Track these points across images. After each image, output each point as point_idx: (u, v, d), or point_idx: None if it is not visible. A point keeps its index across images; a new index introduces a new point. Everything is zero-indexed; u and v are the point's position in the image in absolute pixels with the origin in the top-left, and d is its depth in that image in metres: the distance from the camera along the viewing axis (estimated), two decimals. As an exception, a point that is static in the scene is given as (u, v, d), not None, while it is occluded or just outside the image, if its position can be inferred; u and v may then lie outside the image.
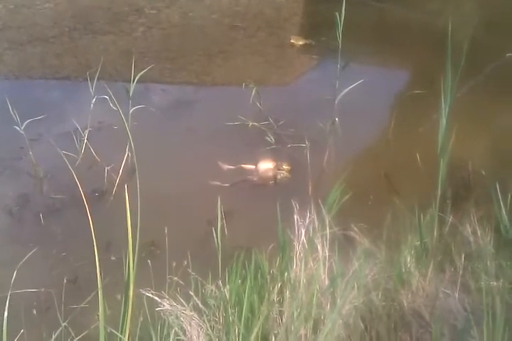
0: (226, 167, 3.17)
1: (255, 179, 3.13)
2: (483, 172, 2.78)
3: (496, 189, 2.16)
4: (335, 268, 1.93)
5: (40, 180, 2.94)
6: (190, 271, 1.95)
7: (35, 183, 2.95)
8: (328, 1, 5.56)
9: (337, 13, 2.95)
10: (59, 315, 1.74)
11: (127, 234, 1.37)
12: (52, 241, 2.64)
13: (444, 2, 5.96)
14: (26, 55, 4.70)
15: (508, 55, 1.90)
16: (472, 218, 2.33)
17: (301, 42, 4.79)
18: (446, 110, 2.04)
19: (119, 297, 1.61)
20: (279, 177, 3.13)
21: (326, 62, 4.28)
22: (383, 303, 1.96)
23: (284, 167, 3.16)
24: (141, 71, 3.13)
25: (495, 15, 5.51)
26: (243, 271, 1.84)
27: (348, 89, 3.14)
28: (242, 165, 3.18)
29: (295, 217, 2.05)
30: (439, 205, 2.29)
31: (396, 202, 2.52)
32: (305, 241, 2.01)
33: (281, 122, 3.50)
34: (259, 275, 1.88)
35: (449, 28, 2.11)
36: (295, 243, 2.00)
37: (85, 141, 3.08)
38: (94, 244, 1.41)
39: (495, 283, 2.00)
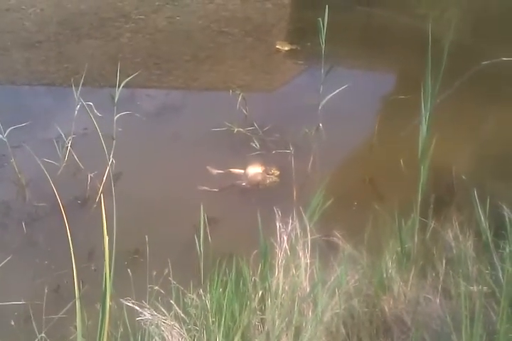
0: (215, 171, 3.17)
1: (244, 183, 3.13)
2: (464, 177, 2.80)
3: (474, 194, 2.17)
4: (316, 274, 1.93)
5: (23, 188, 2.92)
6: (171, 279, 1.94)
7: (18, 191, 2.93)
8: (315, 7, 5.58)
9: (320, 19, 2.96)
10: (35, 326, 1.72)
11: (103, 244, 1.36)
12: (35, 250, 2.62)
13: (430, 7, 6.02)
14: (11, 60, 4.68)
15: (483, 63, 1.91)
16: (454, 222, 2.35)
17: (286, 48, 4.81)
18: (427, 116, 2.05)
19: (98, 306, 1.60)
20: (268, 181, 3.14)
21: (312, 68, 4.30)
22: (365, 309, 1.97)
23: (273, 171, 3.17)
24: (127, 77, 3.13)
25: (480, 20, 5.57)
26: (224, 279, 1.84)
27: (331, 94, 3.15)
28: (231, 170, 3.19)
29: (277, 223, 2.05)
30: (421, 210, 2.31)
31: (379, 208, 2.53)
32: (287, 247, 2.01)
33: (267, 128, 3.50)
34: (240, 283, 1.88)
35: (430, 35, 2.11)
36: (277, 250, 2.01)
37: (69, 147, 3.07)
38: (72, 254, 1.40)
39: (475, 288, 2.02)
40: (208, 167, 3.18)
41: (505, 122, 3.43)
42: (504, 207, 2.19)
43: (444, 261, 2.19)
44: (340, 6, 5.68)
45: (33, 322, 1.81)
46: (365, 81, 4.29)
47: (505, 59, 1.85)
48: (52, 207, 2.79)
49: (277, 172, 3.15)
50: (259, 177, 3.14)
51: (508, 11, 5.76)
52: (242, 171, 3.17)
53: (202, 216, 1.95)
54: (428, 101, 2.00)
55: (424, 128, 1.93)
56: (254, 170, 3.16)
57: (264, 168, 3.17)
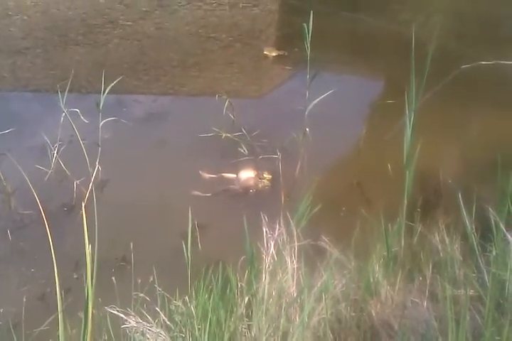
0: (207, 176, 3.17)
1: (236, 188, 3.13)
2: (450, 181, 2.81)
3: (459, 197, 2.19)
4: (303, 280, 1.93)
5: (8, 196, 2.89)
6: (157, 286, 1.93)
7: (3, 198, 2.91)
8: (302, 13, 5.61)
9: (305, 25, 2.97)
10: (14, 336, 1.70)
11: (85, 252, 1.35)
12: (20, 258, 2.59)
13: (414, 13, 6.08)
14: (-3, 66, 4.66)
15: (463, 66, 1.92)
16: (440, 226, 2.36)
17: (274, 54, 4.83)
18: (411, 120, 2.06)
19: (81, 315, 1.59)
20: (260, 185, 3.14)
21: (299, 73, 4.31)
22: (352, 314, 1.96)
23: (265, 176, 3.17)
24: (113, 82, 3.12)
25: (463, 26, 5.63)
26: (210, 286, 1.83)
27: (317, 99, 3.17)
28: (224, 174, 3.19)
29: (264, 229, 2.05)
30: (408, 214, 2.32)
31: (366, 212, 2.53)
32: (274, 253, 2.01)
33: (255, 133, 3.51)
34: (227, 290, 1.87)
35: (413, 41, 2.13)
36: (264, 255, 2.00)
37: (55, 154, 3.05)
38: (54, 264, 1.39)
39: (462, 291, 2.02)
40: (200, 171, 3.17)
41: (490, 125, 3.47)
42: (490, 209, 2.20)
43: (430, 265, 2.20)
44: (325, 12, 5.73)
45: (13, 333, 1.78)
46: (351, 86, 4.31)
47: (483, 63, 1.86)
48: (38, 215, 2.74)
49: (269, 177, 3.16)
50: (252, 182, 3.14)
51: (487, 14, 5.84)
52: (234, 176, 3.17)
53: (189, 221, 1.93)
54: (412, 106, 2.01)
55: (408, 132, 1.94)
56: (247, 175, 3.16)
57: (256, 173, 3.18)
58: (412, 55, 2.00)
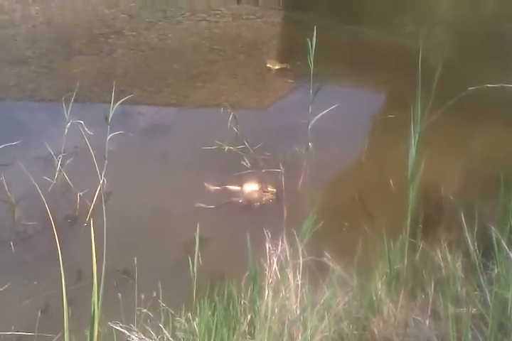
0: (212, 188, 3.18)
1: (240, 201, 3.14)
2: (452, 197, 2.82)
3: (462, 216, 2.19)
4: (306, 297, 1.93)
5: (13, 206, 2.90)
6: (160, 302, 1.93)
7: (8, 209, 2.91)
8: (305, 26, 5.68)
9: (308, 40, 3.00)
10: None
11: (92, 272, 1.36)
12: (24, 270, 2.60)
13: (417, 26, 6.13)
14: (2, 76, 4.68)
15: (469, 88, 1.94)
16: (443, 243, 2.37)
17: (277, 67, 4.87)
18: (416, 139, 2.07)
19: (86, 331, 1.59)
20: (264, 199, 3.15)
21: (302, 86, 4.34)
22: (355, 332, 1.96)
23: (269, 189, 3.18)
24: (119, 93, 3.14)
25: (467, 40, 5.67)
26: (213, 303, 1.83)
27: (320, 114, 3.19)
28: (228, 187, 3.20)
29: (267, 245, 2.05)
30: (410, 230, 2.32)
31: (368, 229, 2.54)
32: (277, 269, 2.01)
33: (257, 146, 3.52)
34: (230, 306, 1.87)
35: (420, 58, 2.12)
36: (267, 272, 2.01)
37: (59, 166, 3.06)
38: (63, 283, 1.40)
39: (464, 310, 2.02)
40: (205, 183, 3.19)
41: (493, 141, 3.49)
42: (492, 227, 2.21)
43: (433, 282, 2.20)
44: (328, 25, 5.78)
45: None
46: (353, 100, 4.34)
47: (489, 85, 1.88)
48: (41, 226, 2.77)
49: (273, 190, 3.17)
50: (256, 195, 3.16)
51: (489, 27, 5.88)
52: (238, 188, 3.19)
53: (197, 238, 1.93)
54: (418, 124, 2.02)
55: (413, 151, 1.95)
56: (251, 188, 3.18)
57: (260, 186, 3.19)
58: (418, 76, 2.00)
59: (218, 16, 6.37)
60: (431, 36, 5.90)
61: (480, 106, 3.74)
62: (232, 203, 3.12)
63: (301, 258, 1.98)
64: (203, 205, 3.02)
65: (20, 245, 2.71)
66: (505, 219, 2.20)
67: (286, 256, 2.03)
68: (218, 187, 3.19)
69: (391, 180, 2.94)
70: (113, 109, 2.93)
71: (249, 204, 3.13)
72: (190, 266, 1.94)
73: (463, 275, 2.22)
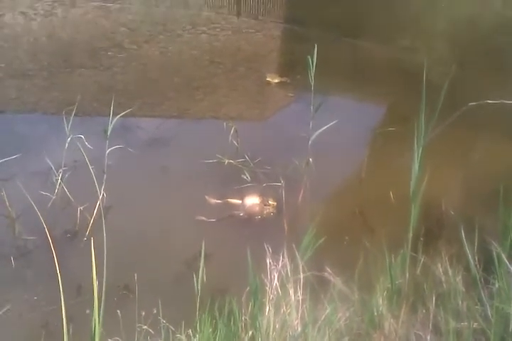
0: (213, 201, 3.19)
1: (241, 214, 3.14)
2: (452, 212, 2.83)
3: (462, 231, 2.20)
4: (307, 313, 1.92)
5: (13, 221, 2.90)
6: (161, 318, 1.93)
7: (8, 224, 2.91)
8: (304, 40, 5.74)
9: (309, 57, 3.02)
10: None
11: (93, 291, 1.36)
12: (23, 285, 2.59)
13: (415, 38, 6.18)
14: (3, 89, 4.70)
15: (470, 104, 1.96)
16: (443, 257, 2.37)
17: (276, 81, 4.90)
18: (419, 155, 2.07)
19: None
20: (265, 212, 3.16)
21: (301, 100, 4.36)
22: (356, 348, 1.96)
23: (270, 202, 3.19)
24: (120, 106, 3.16)
25: (466, 53, 5.71)
26: (214, 319, 1.83)
27: (321, 130, 3.20)
28: (229, 200, 3.21)
29: (267, 260, 2.06)
30: (412, 245, 2.32)
31: (369, 243, 2.54)
32: (278, 285, 2.01)
33: (258, 160, 3.53)
34: (231, 323, 1.86)
35: (424, 75, 2.10)
36: (268, 287, 2.00)
37: (59, 180, 3.06)
38: (62, 301, 1.39)
39: (465, 324, 2.02)
40: (206, 196, 3.19)
41: (493, 156, 3.50)
42: (492, 241, 2.21)
43: (434, 297, 2.19)
44: (327, 39, 5.83)
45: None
46: (353, 113, 4.36)
47: (490, 102, 1.90)
48: (42, 241, 2.76)
49: (274, 204, 3.18)
50: (257, 208, 3.16)
51: (486, 41, 5.93)
52: (239, 202, 3.19)
53: (202, 256, 1.92)
54: (421, 139, 2.03)
55: (416, 166, 1.96)
56: (252, 201, 3.19)
57: (261, 199, 3.20)
58: (423, 90, 2.00)
59: (218, 30, 6.42)
60: (431, 50, 5.95)
61: (480, 119, 3.76)
62: (233, 216, 3.12)
63: (301, 273, 1.98)
64: (204, 218, 3.02)
65: (21, 260, 2.71)
66: (506, 234, 2.20)
67: (287, 271, 2.03)
68: (219, 201, 3.20)
69: (392, 194, 2.94)
70: (112, 122, 2.94)
71: (250, 217, 3.13)
72: (195, 283, 1.93)
73: (464, 290, 2.22)
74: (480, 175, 3.34)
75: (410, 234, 2.11)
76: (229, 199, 3.20)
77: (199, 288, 1.87)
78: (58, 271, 1.96)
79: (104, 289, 1.78)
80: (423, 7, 7.52)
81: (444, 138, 2.94)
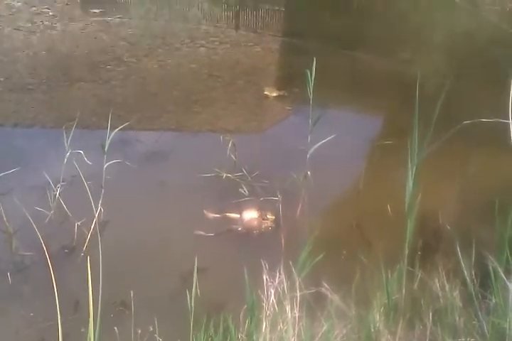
0: (211, 215, 3.19)
1: (240, 228, 3.14)
2: (449, 227, 2.83)
3: (457, 246, 2.20)
4: (304, 330, 1.92)
5: (10, 236, 2.90)
6: (157, 336, 1.92)
7: (5, 239, 2.91)
8: (303, 53, 5.78)
9: (308, 71, 3.05)
10: None
11: (88, 309, 1.36)
12: (20, 301, 2.58)
13: (414, 51, 6.23)
14: (2, 103, 4.73)
15: (464, 122, 1.97)
16: (441, 272, 2.37)
17: (274, 94, 4.94)
18: (413, 171, 2.08)
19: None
20: (263, 226, 3.16)
21: (299, 113, 4.40)
22: (353, 366, 1.95)
23: (268, 216, 3.19)
24: (118, 119, 3.17)
25: (464, 65, 5.76)
26: (210, 337, 1.82)
27: (319, 144, 3.22)
28: (227, 214, 3.21)
29: (264, 277, 2.05)
30: (409, 260, 2.32)
31: (367, 258, 2.54)
32: (274, 302, 2.00)
33: (255, 173, 3.54)
34: (227, 340, 1.86)
35: (417, 90, 2.11)
36: (264, 304, 2.00)
37: (57, 195, 3.07)
38: (59, 320, 1.39)
39: (462, 340, 2.02)
40: (204, 210, 3.20)
41: (490, 171, 3.51)
42: (489, 256, 2.21)
43: (431, 313, 2.19)
44: (325, 50, 5.88)
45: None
46: (352, 126, 4.38)
47: (484, 120, 1.92)
48: (39, 256, 2.76)
49: (272, 218, 3.18)
50: (255, 223, 3.16)
51: (484, 54, 5.99)
52: (238, 216, 3.20)
53: (195, 272, 1.92)
54: (415, 157, 2.04)
55: (410, 184, 1.97)
56: (250, 215, 3.19)
57: (259, 213, 3.20)
58: (416, 108, 2.02)
59: (217, 43, 6.47)
60: (429, 63, 6.00)
61: (476, 133, 3.78)
62: (231, 231, 3.12)
63: (298, 290, 1.98)
64: (202, 233, 3.02)
65: (18, 275, 2.70)
66: (502, 249, 2.21)
67: (283, 287, 2.03)
68: (218, 215, 3.20)
69: (389, 208, 2.95)
70: (109, 137, 2.95)
71: (248, 232, 3.13)
72: (188, 300, 1.93)
73: (461, 305, 2.22)
74: (476, 189, 3.35)
75: (406, 250, 2.12)
76: (227, 214, 3.21)
77: (192, 305, 1.86)
78: (55, 287, 1.97)
79: (99, 306, 1.78)
80: (422, 20, 7.61)
81: (440, 152, 2.96)
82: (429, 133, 2.00)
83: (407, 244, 2.07)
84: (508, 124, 1.76)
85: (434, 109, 2.01)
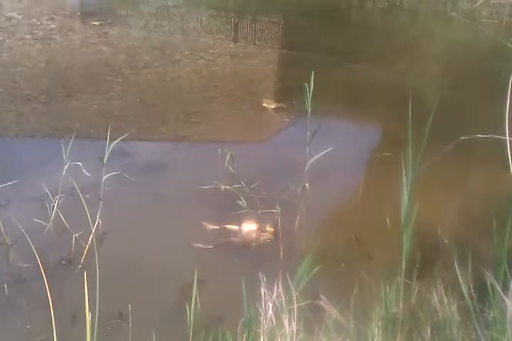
0: (211, 227, 3.19)
1: (239, 240, 3.14)
2: (446, 241, 2.84)
3: (455, 259, 2.21)
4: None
5: (8, 248, 2.89)
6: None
7: (3, 251, 2.90)
8: (301, 64, 5.83)
9: (305, 84, 3.08)
10: None
11: (85, 322, 1.35)
12: (17, 313, 2.57)
13: (411, 63, 6.29)
14: (1, 114, 4.74)
15: (461, 138, 1.99)
16: (439, 285, 2.37)
17: (273, 106, 4.96)
18: (408, 186, 2.09)
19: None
20: (262, 238, 3.15)
21: (298, 125, 4.42)
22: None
23: (267, 229, 3.19)
24: (117, 131, 3.17)
25: (461, 77, 5.81)
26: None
27: (317, 156, 3.24)
28: (226, 226, 3.21)
29: (262, 290, 2.05)
30: (407, 273, 2.32)
31: (365, 271, 2.54)
32: (272, 315, 2.00)
33: (254, 185, 3.55)
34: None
35: (410, 114, 2.11)
36: (262, 317, 2.00)
37: (55, 207, 3.07)
38: (54, 327, 1.39)
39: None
40: (203, 222, 3.20)
41: (488, 184, 3.53)
42: (485, 271, 2.21)
43: (429, 327, 2.19)
44: (323, 62, 5.93)
45: None
46: (350, 138, 4.41)
47: (480, 136, 1.94)
48: (36, 269, 2.75)
49: (272, 230, 3.18)
50: (254, 235, 3.16)
51: (480, 65, 6.04)
52: (237, 228, 3.20)
53: (195, 287, 1.92)
54: (409, 172, 2.05)
55: (405, 197, 1.98)
56: (249, 227, 3.19)
57: (258, 225, 3.20)
58: (409, 126, 2.03)
59: (216, 55, 6.52)
60: (427, 74, 6.05)
61: (474, 147, 3.81)
62: (231, 243, 3.11)
63: (295, 304, 1.97)
64: (201, 245, 3.02)
65: (15, 288, 2.69)
66: (500, 263, 2.21)
67: (281, 301, 2.03)
68: (217, 227, 3.20)
69: (388, 221, 2.95)
70: (108, 149, 2.96)
71: (246, 244, 3.12)
72: (188, 314, 1.92)
73: (459, 319, 2.22)
74: (474, 203, 3.37)
75: (403, 263, 2.12)
76: (227, 226, 3.21)
77: (191, 319, 1.86)
78: (50, 300, 1.96)
79: (96, 318, 1.77)
80: (420, 32, 7.69)
81: (437, 164, 2.97)
82: (425, 145, 2.02)
83: (404, 258, 2.07)
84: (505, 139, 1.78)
85: (432, 120, 2.03)
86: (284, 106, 4.95)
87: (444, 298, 2.32)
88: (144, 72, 5.84)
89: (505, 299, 2.06)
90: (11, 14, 7.81)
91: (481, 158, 3.73)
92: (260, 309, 2.04)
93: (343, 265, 2.83)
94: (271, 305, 2.02)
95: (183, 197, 3.47)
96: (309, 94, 3.10)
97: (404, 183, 1.94)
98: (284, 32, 7.92)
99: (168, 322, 2.40)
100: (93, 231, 2.87)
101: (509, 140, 2.01)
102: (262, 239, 3.14)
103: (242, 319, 2.03)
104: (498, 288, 2.09)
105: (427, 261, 2.79)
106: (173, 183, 3.65)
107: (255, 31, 7.94)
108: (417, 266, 2.69)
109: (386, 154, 3.58)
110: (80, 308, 2.45)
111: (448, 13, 8.63)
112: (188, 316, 1.90)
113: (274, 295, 2.05)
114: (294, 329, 1.97)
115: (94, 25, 7.45)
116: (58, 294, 2.57)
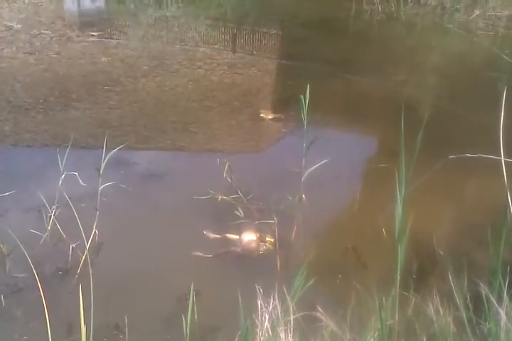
0: (211, 236, 3.20)
1: (238, 250, 3.14)
2: (442, 252, 2.85)
3: (449, 271, 2.22)
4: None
5: (4, 258, 2.89)
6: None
7: (-1, 261, 2.91)
8: (299, 75, 5.87)
9: (302, 96, 3.10)
10: None
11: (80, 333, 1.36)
12: (14, 324, 2.56)
13: (408, 74, 6.34)
14: (-1, 123, 4.76)
15: (450, 157, 2.02)
16: (435, 296, 2.37)
17: (270, 117, 4.99)
18: (402, 200, 2.09)
19: None
20: (261, 248, 3.16)
21: (295, 136, 4.43)
22: None
23: (267, 239, 3.19)
24: (114, 139, 3.18)
25: (457, 88, 5.85)
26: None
27: (313, 167, 3.26)
28: (227, 235, 3.21)
29: (258, 302, 2.06)
30: (403, 284, 2.32)
31: (361, 282, 2.55)
32: (269, 327, 2.00)
33: (251, 195, 3.56)
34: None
35: (402, 122, 2.13)
36: (258, 329, 2.00)
37: (52, 217, 3.07)
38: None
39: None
40: (204, 231, 3.20)
41: (482, 193, 3.55)
42: (480, 283, 2.22)
43: (425, 338, 2.19)
44: (320, 72, 5.97)
45: None
46: (347, 149, 4.43)
47: (469, 155, 1.97)
48: (33, 279, 2.75)
49: (271, 240, 3.18)
50: (254, 245, 3.17)
51: (476, 76, 6.08)
52: (237, 237, 3.20)
53: (191, 298, 1.91)
54: (403, 187, 2.05)
55: (399, 209, 1.99)
56: (249, 237, 3.20)
57: (258, 235, 3.21)
58: (401, 141, 2.04)
59: (214, 65, 6.56)
60: (423, 85, 6.10)
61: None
62: (230, 252, 3.11)
63: (291, 315, 1.98)
64: (200, 254, 3.02)
65: (11, 298, 2.69)
66: (495, 274, 2.22)
67: (278, 313, 2.03)
68: (217, 236, 3.20)
69: (384, 232, 2.96)
70: (105, 159, 2.97)
71: (246, 253, 3.13)
72: (184, 325, 1.92)
73: (455, 330, 2.22)
74: (469, 214, 3.38)
75: (398, 275, 2.13)
76: (227, 235, 3.21)
77: (187, 331, 1.86)
78: (46, 311, 1.96)
79: (92, 329, 1.77)
80: (417, 43, 7.76)
81: (432, 176, 2.99)
82: (418, 157, 2.03)
83: (398, 269, 2.08)
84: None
85: (427, 131, 2.05)
86: (282, 116, 4.97)
87: (440, 308, 2.33)
88: (142, 82, 5.86)
89: (500, 311, 2.07)
90: (10, 24, 7.85)
91: (475, 168, 3.75)
92: (257, 320, 2.04)
93: (339, 276, 2.84)
94: (267, 317, 2.03)
95: (179, 207, 3.48)
96: (305, 106, 3.13)
97: (398, 195, 1.95)
98: (282, 42, 7.98)
99: (164, 333, 2.40)
100: (89, 241, 2.87)
101: (503, 148, 2.02)
102: (261, 249, 3.15)
103: (239, 332, 2.03)
104: (493, 300, 2.09)
105: (423, 272, 2.80)
106: (170, 193, 3.66)
107: (253, 41, 8.00)
108: (413, 276, 2.70)
109: (382, 165, 3.59)
110: (76, 319, 2.47)
111: (444, 25, 8.71)
112: (184, 327, 1.90)
113: (271, 307, 2.06)
114: (290, 341, 1.98)
115: (93, 35, 7.49)
116: (54, 304, 2.57)
